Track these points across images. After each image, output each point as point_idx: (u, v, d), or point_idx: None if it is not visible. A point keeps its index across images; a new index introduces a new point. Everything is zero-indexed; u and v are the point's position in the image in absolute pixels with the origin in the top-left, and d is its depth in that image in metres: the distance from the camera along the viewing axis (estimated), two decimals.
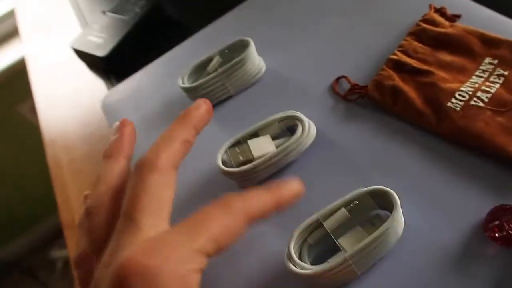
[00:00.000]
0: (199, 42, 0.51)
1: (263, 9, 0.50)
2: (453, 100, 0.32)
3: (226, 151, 0.34)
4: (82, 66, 0.60)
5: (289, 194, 0.25)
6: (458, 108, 0.31)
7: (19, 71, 1.30)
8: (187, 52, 0.50)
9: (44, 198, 1.18)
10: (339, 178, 0.32)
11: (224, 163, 0.33)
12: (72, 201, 0.45)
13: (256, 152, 0.33)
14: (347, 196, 0.28)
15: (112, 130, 0.28)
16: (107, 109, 0.48)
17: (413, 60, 0.35)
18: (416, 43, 0.37)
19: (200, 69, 0.42)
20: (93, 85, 0.57)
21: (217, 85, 0.39)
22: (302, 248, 0.28)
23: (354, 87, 0.37)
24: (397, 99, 0.34)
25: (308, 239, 0.28)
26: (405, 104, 0.33)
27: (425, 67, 0.35)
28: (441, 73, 0.34)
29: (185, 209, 0.33)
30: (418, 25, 0.38)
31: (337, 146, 0.33)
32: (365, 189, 0.28)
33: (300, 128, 0.33)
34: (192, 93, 0.40)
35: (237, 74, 0.39)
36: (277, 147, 0.33)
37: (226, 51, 0.41)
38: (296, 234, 0.28)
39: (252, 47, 0.39)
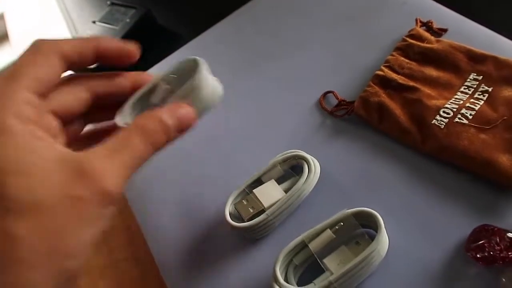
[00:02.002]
0: (191, 51, 0.51)
1: (253, 20, 0.50)
2: (438, 117, 0.32)
3: (232, 205, 0.32)
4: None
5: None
6: (443, 126, 0.32)
7: None
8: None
9: None
10: (325, 197, 0.33)
11: (232, 217, 0.31)
12: None
13: (265, 201, 0.31)
14: (332, 218, 0.29)
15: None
16: None
17: (399, 76, 0.36)
18: (402, 58, 0.37)
19: (141, 102, 0.30)
20: None
21: None
22: (288, 269, 0.29)
23: (341, 103, 0.37)
24: (383, 116, 0.34)
25: (293, 260, 0.29)
26: (391, 121, 0.34)
27: (411, 83, 0.35)
28: (426, 90, 0.34)
29: (189, 265, 0.32)
30: (404, 40, 0.38)
31: (324, 164, 0.33)
32: (350, 210, 0.29)
33: (306, 168, 0.32)
34: None
35: (191, 100, 0.28)
36: (284, 190, 0.32)
37: (174, 76, 0.31)
38: (281, 256, 0.28)
39: (202, 67, 0.28)
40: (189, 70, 0.32)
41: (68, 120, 0.24)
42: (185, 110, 0.25)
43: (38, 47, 0.22)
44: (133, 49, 0.27)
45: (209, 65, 0.48)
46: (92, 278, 0.38)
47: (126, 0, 0.62)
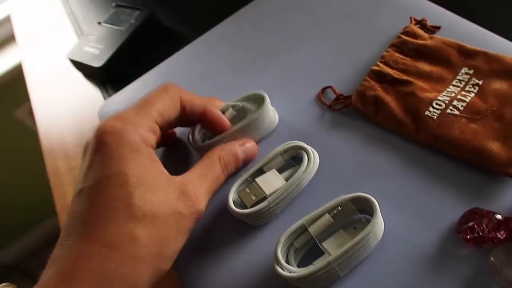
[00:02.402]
0: (194, 51, 0.52)
1: (254, 19, 0.52)
2: (431, 109, 0.34)
3: (236, 193, 0.34)
4: (78, 75, 0.62)
5: None
6: (435, 117, 0.33)
7: (16, 76, 1.32)
8: (182, 61, 0.52)
9: (43, 202, 1.20)
10: (324, 185, 0.34)
11: (235, 204, 0.33)
12: None
13: (267, 189, 0.33)
14: (331, 203, 0.30)
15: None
16: (104, 118, 0.50)
17: (393, 71, 0.37)
18: (397, 54, 0.39)
19: None
20: (89, 95, 0.59)
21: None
22: (289, 251, 0.30)
23: (339, 97, 0.39)
24: (379, 108, 0.36)
25: (294, 243, 0.30)
26: (386, 113, 0.35)
27: (405, 77, 0.36)
28: (420, 83, 0.36)
29: (194, 250, 0.34)
30: (399, 37, 0.40)
31: (323, 154, 0.35)
32: (347, 196, 0.30)
33: (305, 157, 0.34)
34: (206, 149, 0.35)
35: (253, 130, 0.37)
36: (285, 179, 0.33)
37: (240, 104, 0.38)
38: (283, 238, 0.30)
39: (267, 103, 0.37)
40: (254, 99, 0.40)
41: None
42: (252, 146, 0.34)
43: (168, 89, 0.30)
44: (227, 124, 0.35)
45: (212, 63, 0.50)
46: None
47: (131, 2, 0.64)
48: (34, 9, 0.84)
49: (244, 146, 0.33)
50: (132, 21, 0.59)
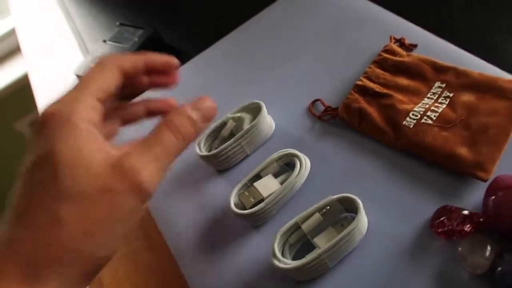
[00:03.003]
0: (194, 67, 0.57)
1: (251, 36, 0.56)
2: (408, 119, 0.38)
3: (236, 196, 0.38)
4: None
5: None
6: (412, 126, 0.38)
7: (18, 89, 1.35)
8: (183, 77, 0.56)
9: None
10: (315, 187, 0.38)
11: (236, 206, 0.37)
12: None
13: (264, 192, 0.37)
14: (320, 203, 0.34)
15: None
16: None
17: (375, 85, 0.42)
18: (378, 70, 0.43)
19: (214, 134, 0.44)
20: None
21: (236, 149, 0.41)
22: (284, 247, 0.34)
23: (327, 109, 0.43)
24: (362, 119, 0.40)
25: (289, 239, 0.34)
26: (370, 123, 0.40)
27: (385, 91, 0.41)
28: (399, 96, 0.40)
29: (200, 248, 0.38)
30: (380, 54, 0.44)
31: (314, 160, 0.39)
32: (335, 196, 0.34)
33: (298, 164, 0.38)
34: (212, 159, 0.41)
35: (252, 136, 0.42)
36: (280, 183, 0.37)
37: (239, 115, 0.43)
38: (279, 235, 0.34)
39: (264, 111, 0.42)
40: (252, 109, 0.45)
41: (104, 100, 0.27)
42: (208, 103, 0.27)
43: (102, 62, 0.26)
44: (174, 60, 0.31)
45: (212, 78, 0.55)
46: (112, 266, 0.43)
47: (134, 21, 0.68)
48: (39, 24, 0.88)
49: (198, 106, 0.26)
50: (136, 39, 0.64)
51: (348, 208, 0.35)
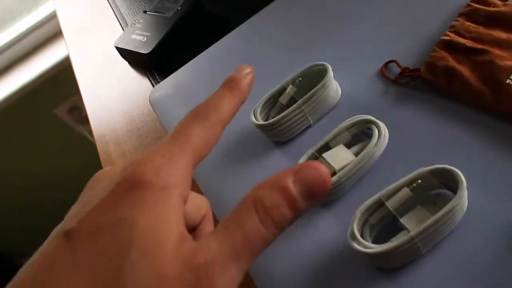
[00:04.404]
0: (241, 35, 0.52)
1: (304, 1, 0.50)
2: None
3: None
4: (125, 64, 0.62)
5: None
6: None
7: (55, 75, 1.36)
8: (230, 45, 0.51)
9: None
10: (395, 160, 0.32)
11: None
12: None
13: (336, 164, 0.31)
14: (409, 176, 0.29)
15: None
16: (156, 103, 0.50)
17: (466, 40, 0.35)
18: (468, 23, 0.36)
19: (271, 101, 0.39)
20: (138, 82, 0.59)
21: (298, 117, 0.36)
22: (363, 227, 0.29)
23: (405, 71, 0.37)
24: (452, 79, 0.34)
25: (369, 219, 0.29)
26: (461, 84, 0.33)
27: (480, 46, 0.34)
28: (497, 51, 0.33)
29: None
30: (469, 5, 0.37)
31: (392, 128, 0.33)
32: (427, 168, 0.28)
33: (376, 131, 0.32)
34: (270, 128, 0.36)
35: (317, 103, 0.36)
36: (354, 154, 0.32)
37: (300, 79, 0.38)
38: (359, 213, 0.28)
39: (330, 73, 0.36)
40: (314, 74, 0.38)
41: None
42: (316, 171, 0.18)
43: (204, 117, 0.21)
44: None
45: (262, 45, 0.49)
46: None
47: None
48: (78, 4, 0.86)
49: (301, 175, 0.18)
50: (178, 8, 0.59)
51: (442, 183, 0.28)
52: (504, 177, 0.29)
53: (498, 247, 0.26)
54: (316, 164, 0.18)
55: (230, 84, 0.24)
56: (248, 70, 0.25)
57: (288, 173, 0.18)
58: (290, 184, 0.17)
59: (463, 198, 0.27)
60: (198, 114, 0.22)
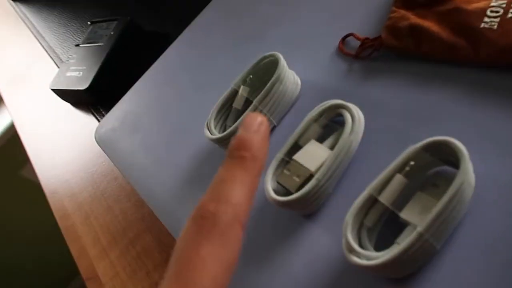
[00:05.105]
0: (179, 48, 0.46)
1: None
2: (486, 19, 0.27)
3: (273, 179, 0.27)
4: (66, 106, 0.56)
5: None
6: (495, 26, 0.26)
7: (14, 134, 1.28)
8: (170, 61, 0.46)
9: (62, 265, 1.15)
10: (378, 144, 0.27)
11: (276, 193, 0.26)
12: (88, 250, 0.41)
13: (311, 165, 0.26)
14: (399, 159, 0.23)
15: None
16: (103, 141, 0.44)
17: None
18: None
19: (225, 109, 0.33)
20: (83, 122, 0.53)
21: None
22: (360, 233, 0.23)
23: (365, 42, 0.32)
24: (419, 39, 0.29)
25: (364, 222, 0.23)
26: (431, 41, 0.28)
27: None
28: None
29: (247, 260, 0.28)
30: None
31: (366, 109, 0.28)
32: (419, 144, 0.23)
33: (348, 116, 0.27)
34: (228, 141, 0.31)
35: (275, 99, 0.31)
36: (330, 148, 0.26)
37: (250, 76, 0.32)
38: (350, 218, 0.23)
39: (283, 62, 0.31)
40: (266, 68, 0.33)
41: None
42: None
43: (222, 228, 0.16)
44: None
45: (207, 48, 0.44)
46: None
47: (106, 16, 0.58)
48: (10, 52, 0.79)
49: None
50: (111, 33, 0.54)
51: (440, 158, 0.24)
52: (502, 132, 0.24)
53: None
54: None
55: (239, 153, 0.17)
56: (258, 120, 0.18)
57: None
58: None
59: (469, 171, 0.22)
60: (201, 220, 0.15)
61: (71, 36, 0.66)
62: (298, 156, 0.27)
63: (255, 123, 0.17)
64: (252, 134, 0.17)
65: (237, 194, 0.16)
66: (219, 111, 0.33)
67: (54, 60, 0.65)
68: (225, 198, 0.16)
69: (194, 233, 0.15)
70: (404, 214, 0.23)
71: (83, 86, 0.50)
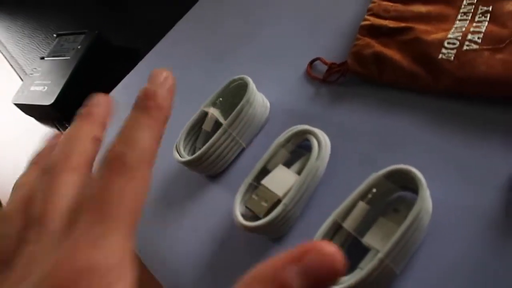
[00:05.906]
0: (149, 64, 0.46)
1: (211, 15, 0.46)
2: (444, 50, 0.28)
3: (242, 204, 0.27)
4: (30, 121, 0.54)
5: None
6: (452, 57, 0.28)
7: None
8: (139, 78, 0.46)
9: None
10: (344, 169, 0.28)
11: (244, 218, 0.26)
12: None
13: (279, 190, 0.26)
14: (362, 186, 0.24)
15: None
16: None
17: (387, 21, 0.32)
18: (385, 2, 0.33)
19: (194, 131, 0.33)
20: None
21: (227, 143, 0.31)
22: None
23: (331, 67, 0.33)
24: (383, 66, 0.30)
25: None
26: (393, 69, 0.30)
27: (403, 24, 0.31)
28: (421, 26, 0.31)
29: (208, 266, 0.28)
30: None
31: (332, 134, 0.29)
32: (380, 172, 0.24)
33: (315, 142, 0.27)
34: (199, 163, 0.31)
35: (245, 122, 0.31)
36: (297, 173, 0.27)
37: (220, 99, 0.33)
38: None
39: (252, 85, 0.32)
40: (235, 90, 0.33)
41: None
42: (324, 259, 0.11)
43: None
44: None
45: (177, 65, 0.44)
46: None
47: (73, 29, 0.57)
48: None
49: (304, 262, 0.12)
50: (78, 47, 0.53)
51: (400, 185, 0.24)
52: (458, 160, 0.25)
53: (479, 239, 0.23)
54: (322, 245, 0.12)
55: (144, 102, 0.18)
56: (163, 75, 0.19)
57: (287, 261, 0.12)
58: (291, 278, 0.12)
59: (426, 199, 0.23)
60: (111, 160, 0.16)
61: (36, 48, 0.64)
62: (266, 181, 0.27)
63: (160, 76, 0.18)
64: (157, 86, 0.18)
65: (143, 137, 0.17)
66: (188, 133, 0.33)
67: (17, 71, 0.63)
68: (132, 141, 0.17)
69: (105, 172, 0.16)
70: (367, 239, 0.23)
71: (48, 101, 0.49)
